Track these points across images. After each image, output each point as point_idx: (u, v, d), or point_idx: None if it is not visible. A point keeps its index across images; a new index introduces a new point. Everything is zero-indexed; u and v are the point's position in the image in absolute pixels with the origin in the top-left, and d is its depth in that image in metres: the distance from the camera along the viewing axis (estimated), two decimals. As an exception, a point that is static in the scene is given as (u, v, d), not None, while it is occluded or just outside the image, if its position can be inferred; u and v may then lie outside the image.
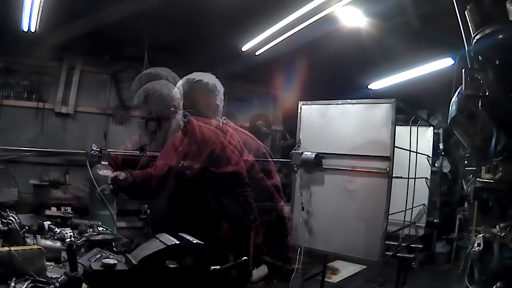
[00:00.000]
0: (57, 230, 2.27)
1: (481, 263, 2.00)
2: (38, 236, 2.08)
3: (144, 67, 5.25)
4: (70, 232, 2.31)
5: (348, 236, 3.39)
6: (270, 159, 2.50)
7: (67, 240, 2.15)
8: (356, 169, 3.39)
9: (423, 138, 4.41)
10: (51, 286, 1.43)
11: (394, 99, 3.30)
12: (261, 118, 6.83)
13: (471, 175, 2.42)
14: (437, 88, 3.67)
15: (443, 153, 5.99)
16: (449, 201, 6.23)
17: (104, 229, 2.67)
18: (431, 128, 4.71)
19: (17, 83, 4.98)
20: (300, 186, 3.70)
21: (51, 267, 1.98)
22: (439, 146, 5.89)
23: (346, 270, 5.58)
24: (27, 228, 2.24)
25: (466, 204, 4.76)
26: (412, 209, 3.91)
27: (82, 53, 5.24)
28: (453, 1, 2.11)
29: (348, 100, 3.55)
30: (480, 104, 1.97)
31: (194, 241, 1.40)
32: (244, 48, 4.66)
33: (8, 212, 2.38)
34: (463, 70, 2.04)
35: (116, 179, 2.57)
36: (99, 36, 4.72)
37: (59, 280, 1.42)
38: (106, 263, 1.31)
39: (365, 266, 5.14)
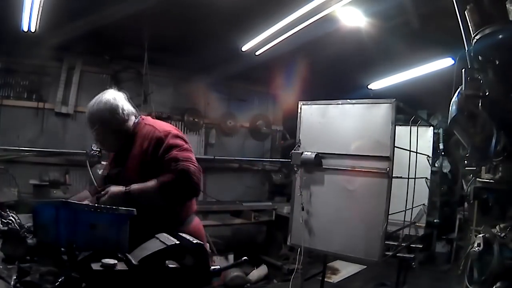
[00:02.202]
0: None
1: (481, 263, 1.99)
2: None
3: (144, 67, 5.26)
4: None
5: (348, 236, 3.39)
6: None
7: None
8: (356, 169, 3.39)
9: (423, 138, 4.41)
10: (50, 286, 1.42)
11: (394, 99, 3.30)
12: (261, 118, 6.83)
13: (471, 175, 2.42)
14: (437, 88, 3.67)
15: (443, 153, 5.99)
16: (449, 201, 6.23)
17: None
18: (431, 128, 4.71)
19: (17, 83, 4.98)
20: (300, 186, 3.70)
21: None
22: (439, 146, 5.89)
23: (346, 270, 5.57)
24: (27, 228, 2.24)
25: (466, 204, 4.77)
26: (412, 209, 3.91)
27: (82, 53, 5.23)
28: (453, 1, 2.11)
29: (348, 100, 3.55)
30: (480, 104, 1.97)
31: (194, 241, 1.40)
32: (244, 48, 4.66)
33: (8, 212, 2.38)
34: (463, 70, 2.04)
35: None
36: (99, 36, 4.71)
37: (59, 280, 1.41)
38: (106, 263, 1.31)
39: (365, 266, 5.14)
